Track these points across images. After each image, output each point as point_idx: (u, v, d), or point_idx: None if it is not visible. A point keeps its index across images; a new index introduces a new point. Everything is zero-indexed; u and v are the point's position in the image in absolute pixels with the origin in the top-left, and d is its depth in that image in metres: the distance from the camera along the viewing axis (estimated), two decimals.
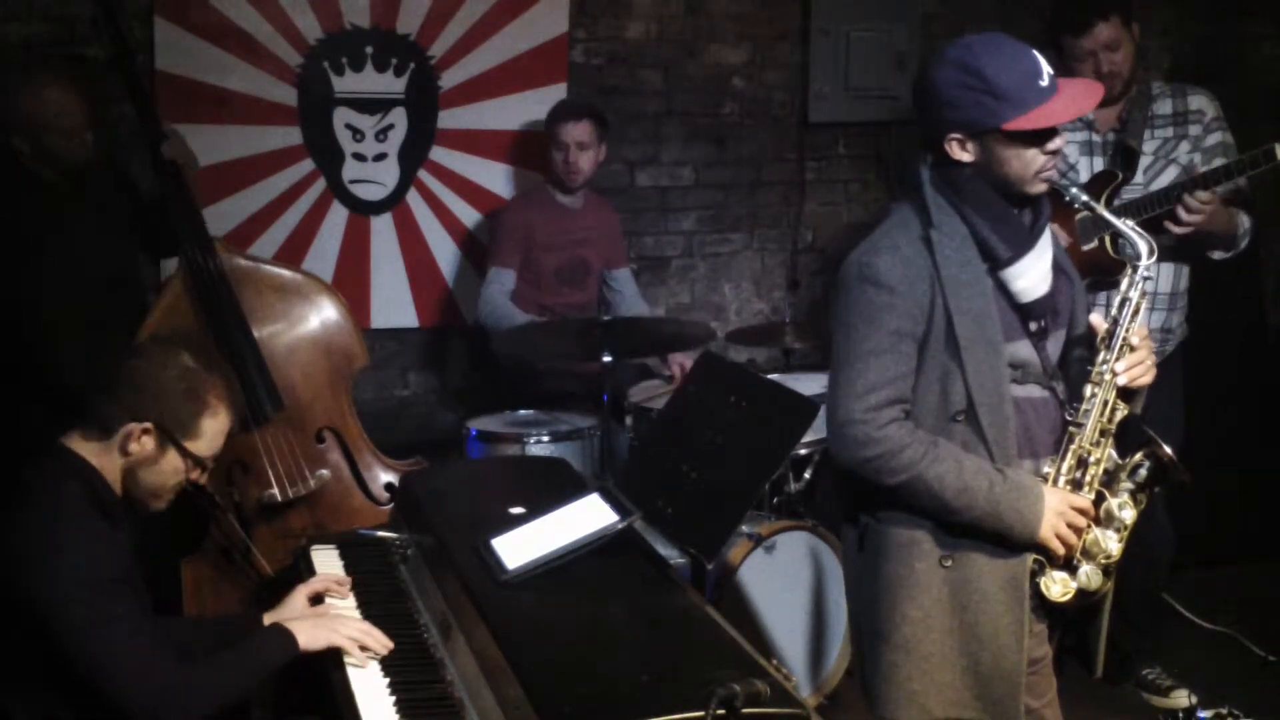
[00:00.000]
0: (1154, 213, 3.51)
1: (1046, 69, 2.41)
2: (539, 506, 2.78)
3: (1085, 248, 3.59)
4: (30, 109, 3.46)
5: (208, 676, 2.50)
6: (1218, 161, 3.58)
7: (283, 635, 2.61)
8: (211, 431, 2.58)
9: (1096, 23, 3.59)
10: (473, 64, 4.85)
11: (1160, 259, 2.59)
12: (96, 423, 2.52)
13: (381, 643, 2.66)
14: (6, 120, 3.48)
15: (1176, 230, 3.50)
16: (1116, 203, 3.61)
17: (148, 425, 2.51)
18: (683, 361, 4.42)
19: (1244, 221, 3.64)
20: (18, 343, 3.50)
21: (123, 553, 2.49)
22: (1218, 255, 3.70)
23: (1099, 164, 3.71)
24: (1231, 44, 5.15)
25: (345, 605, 2.88)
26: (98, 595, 2.37)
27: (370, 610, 2.85)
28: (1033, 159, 2.43)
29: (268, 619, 2.76)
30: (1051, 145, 2.42)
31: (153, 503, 2.62)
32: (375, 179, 4.84)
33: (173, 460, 2.56)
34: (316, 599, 2.86)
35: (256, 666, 2.58)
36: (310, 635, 2.62)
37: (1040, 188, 2.47)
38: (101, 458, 2.52)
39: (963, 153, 2.46)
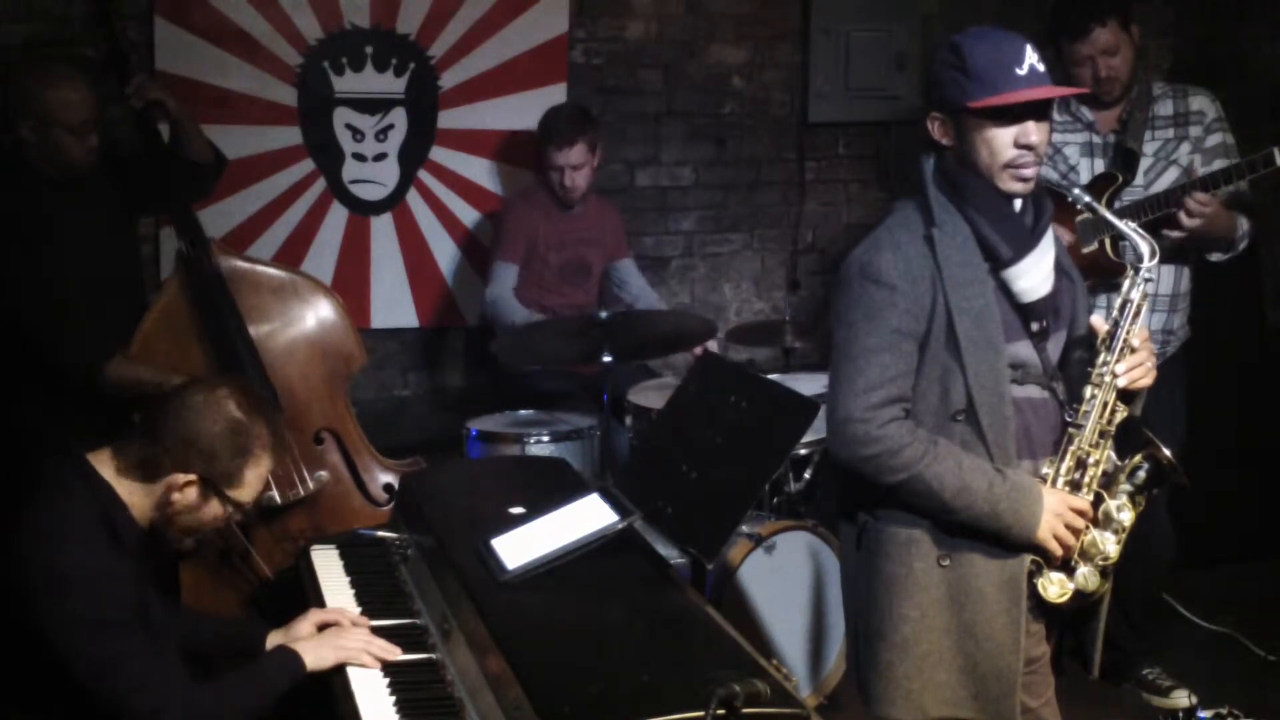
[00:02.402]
0: (1153, 215, 3.51)
1: (1032, 62, 2.41)
2: (539, 506, 2.78)
3: (1085, 250, 3.59)
4: (46, 100, 3.47)
5: (217, 703, 2.50)
6: (1218, 163, 3.58)
7: (289, 657, 2.61)
8: (255, 479, 2.58)
9: (1094, 28, 3.57)
10: (473, 64, 4.85)
11: (1160, 261, 2.59)
12: (138, 465, 2.50)
13: (388, 650, 2.66)
14: (20, 108, 3.49)
15: (1175, 234, 3.50)
16: (1117, 205, 3.60)
17: (192, 478, 2.50)
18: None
19: (1243, 224, 3.63)
20: (16, 340, 3.50)
21: (130, 582, 2.46)
22: (1216, 257, 3.70)
23: (1099, 165, 3.71)
24: (1232, 44, 5.14)
25: (346, 606, 2.89)
26: (105, 634, 2.36)
27: (370, 610, 2.85)
28: (1001, 148, 2.41)
29: (272, 638, 2.76)
30: (1024, 138, 2.41)
31: (184, 540, 2.63)
32: (375, 179, 4.84)
33: (214, 508, 2.56)
34: (324, 628, 2.80)
35: (265, 690, 2.57)
36: (316, 655, 2.62)
37: (1014, 185, 2.45)
38: (133, 495, 2.51)
39: (943, 136, 2.48)
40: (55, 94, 3.47)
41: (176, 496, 2.50)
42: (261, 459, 2.58)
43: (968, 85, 2.40)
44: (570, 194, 4.49)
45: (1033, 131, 2.42)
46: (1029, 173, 2.45)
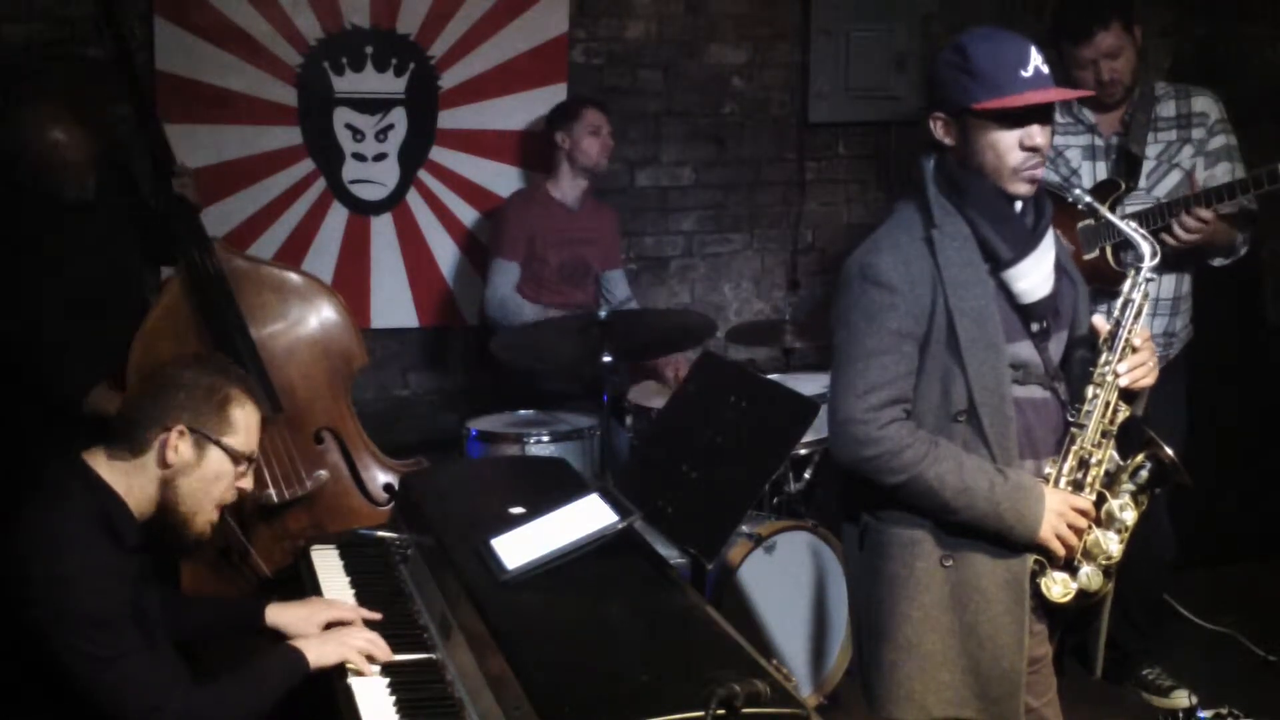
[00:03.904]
0: (1154, 226, 3.49)
1: (1036, 64, 2.40)
2: (539, 506, 2.78)
3: (1087, 256, 3.58)
4: (34, 147, 3.46)
5: (216, 703, 2.49)
6: (1221, 165, 3.57)
7: (292, 654, 2.60)
8: (244, 423, 2.56)
9: (1097, 31, 3.56)
10: (473, 64, 4.85)
11: (1161, 265, 2.59)
12: (125, 443, 2.50)
13: (387, 653, 2.66)
14: (9, 152, 3.49)
15: (1175, 244, 3.49)
16: (1119, 212, 3.59)
17: (180, 428, 2.48)
18: (678, 364, 4.42)
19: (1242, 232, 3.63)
20: (16, 344, 3.50)
21: (128, 581, 2.45)
22: (1218, 262, 3.70)
23: (1101, 168, 3.69)
24: (1232, 44, 5.14)
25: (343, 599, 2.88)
26: (103, 633, 2.35)
27: (370, 610, 2.85)
28: (1007, 151, 2.41)
29: (271, 610, 2.76)
30: (1029, 140, 2.41)
31: (196, 521, 2.56)
32: (375, 179, 4.84)
33: (215, 461, 2.53)
34: (329, 627, 2.78)
35: (267, 688, 2.56)
36: (319, 652, 2.61)
37: (1021, 188, 2.44)
38: (130, 478, 2.49)
39: (946, 135, 2.47)
40: (45, 144, 3.47)
41: (172, 456, 2.48)
42: (244, 401, 2.56)
43: (972, 86, 2.39)
44: (609, 155, 4.60)
45: (1037, 134, 2.41)
46: (1036, 174, 2.45)
